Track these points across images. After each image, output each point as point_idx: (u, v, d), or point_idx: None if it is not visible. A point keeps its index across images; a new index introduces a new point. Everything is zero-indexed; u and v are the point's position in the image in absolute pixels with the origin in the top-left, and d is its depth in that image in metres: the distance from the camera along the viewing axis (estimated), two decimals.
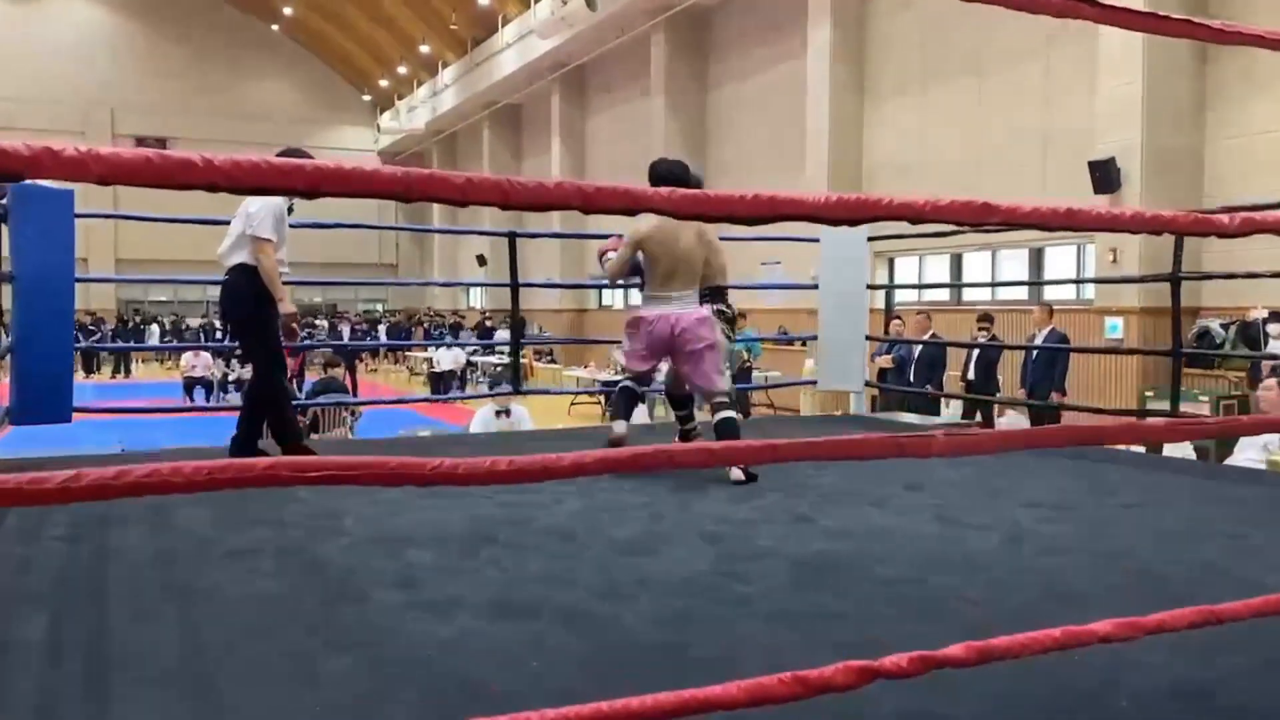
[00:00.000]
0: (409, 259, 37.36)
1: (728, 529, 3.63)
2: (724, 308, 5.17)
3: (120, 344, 24.88)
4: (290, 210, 4.90)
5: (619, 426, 4.84)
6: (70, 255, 5.18)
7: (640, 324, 4.82)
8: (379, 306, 36.35)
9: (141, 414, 6.89)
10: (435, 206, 33.46)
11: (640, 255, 4.84)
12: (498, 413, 7.34)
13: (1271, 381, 6.44)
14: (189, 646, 2.41)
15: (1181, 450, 9.26)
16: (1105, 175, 10.64)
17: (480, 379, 21.16)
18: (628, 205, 1.31)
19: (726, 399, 4.82)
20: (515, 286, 6.23)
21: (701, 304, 4.91)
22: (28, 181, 5.53)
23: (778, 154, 16.64)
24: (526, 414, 7.51)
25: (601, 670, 2.27)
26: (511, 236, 6.24)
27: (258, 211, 4.68)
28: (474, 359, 20.43)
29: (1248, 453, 5.90)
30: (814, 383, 7.43)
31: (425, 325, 27.36)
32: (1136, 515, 4.00)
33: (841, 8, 14.96)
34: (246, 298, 4.71)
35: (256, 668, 2.26)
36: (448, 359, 18.77)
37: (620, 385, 5.06)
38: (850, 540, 3.45)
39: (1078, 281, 10.99)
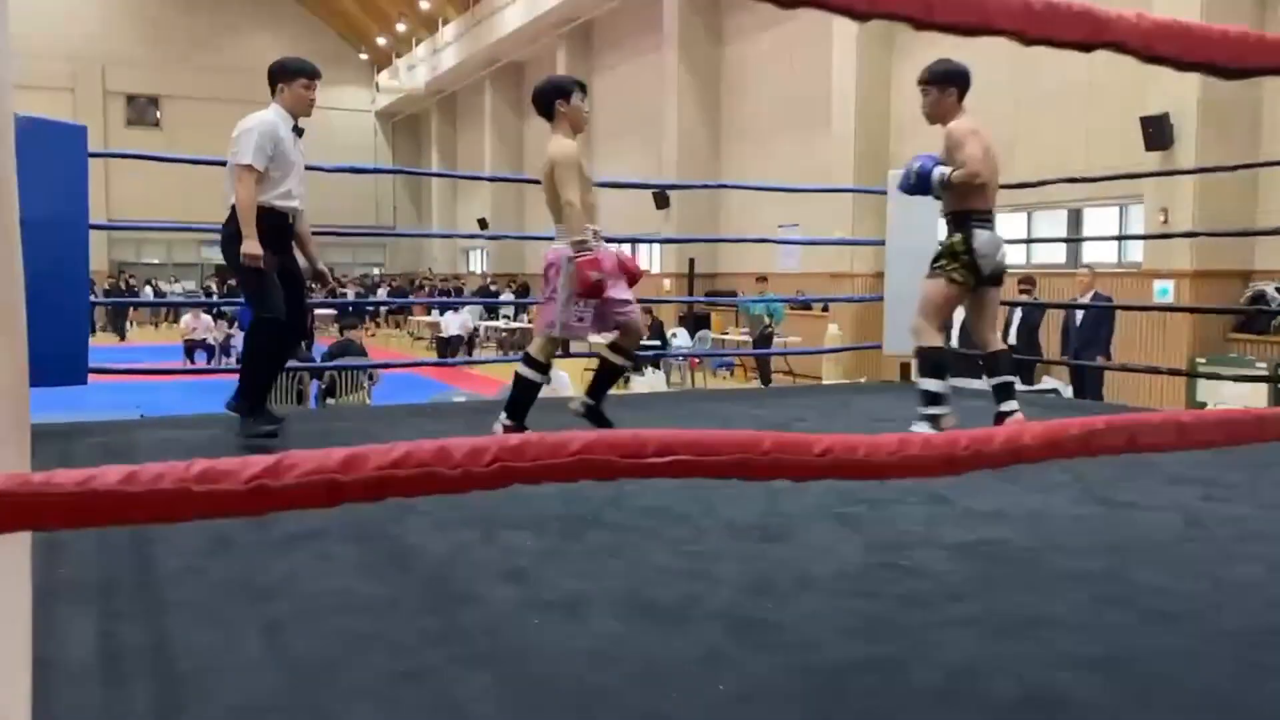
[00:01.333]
0: (407, 221, 36.63)
1: (859, 510, 3.17)
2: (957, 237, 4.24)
3: (152, 299, 24.19)
4: (299, 133, 4.31)
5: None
6: (84, 200, 4.65)
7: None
8: (375, 271, 35.65)
9: (160, 375, 6.37)
10: (434, 161, 32.81)
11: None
12: None
13: None
14: (281, 661, 1.94)
15: (1251, 398, 8.85)
16: (1158, 131, 10.14)
17: (486, 343, 20.66)
18: (1085, 35, 0.83)
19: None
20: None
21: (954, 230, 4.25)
22: (34, 115, 5.01)
23: (800, 109, 16.06)
24: (568, 379, 7.02)
25: (811, 697, 1.81)
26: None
27: (239, 136, 4.12)
28: (478, 324, 19.90)
29: None
30: (878, 347, 6.95)
31: (427, 289, 26.77)
32: None
33: None
34: (233, 238, 4.10)
35: (378, 692, 1.79)
36: (455, 323, 18.22)
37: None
38: (1008, 524, 2.99)
39: (1220, 234, 10.44)
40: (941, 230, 6.24)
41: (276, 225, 4.21)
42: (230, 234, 4.15)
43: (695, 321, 16.36)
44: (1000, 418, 4.26)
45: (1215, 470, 3.85)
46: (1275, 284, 10.05)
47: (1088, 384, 8.99)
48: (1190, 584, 2.44)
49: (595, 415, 4.31)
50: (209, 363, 16.22)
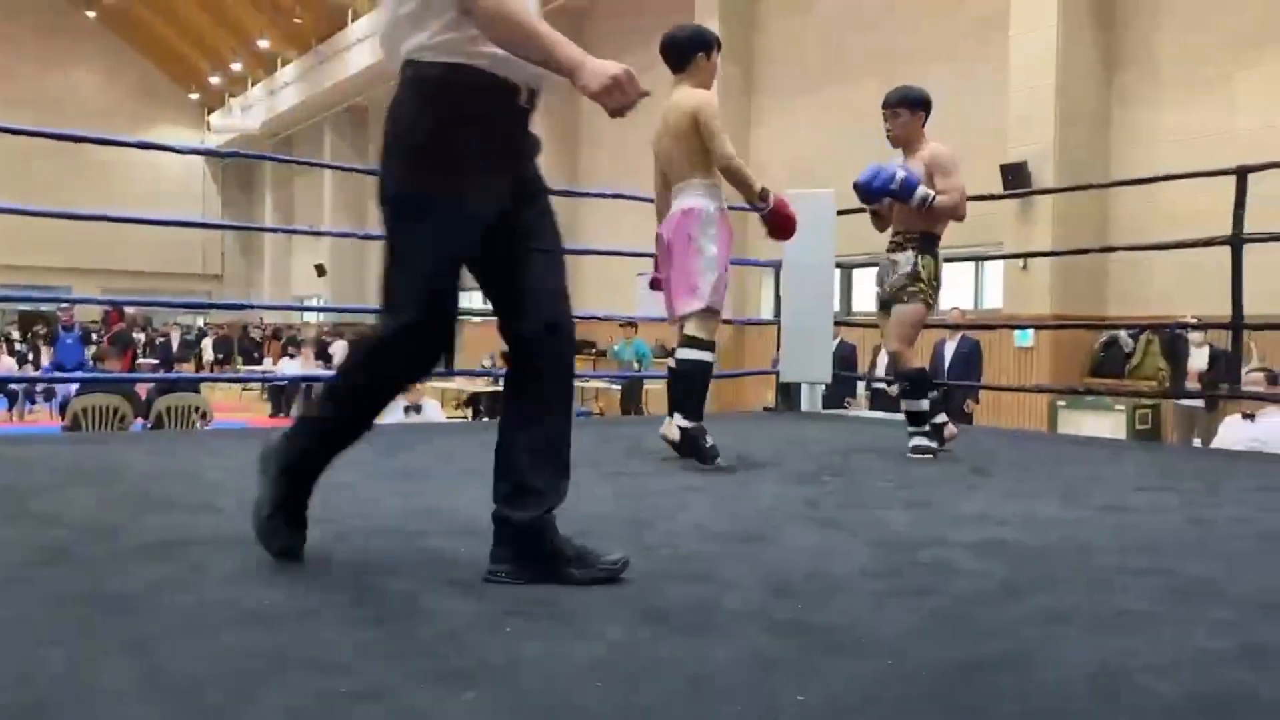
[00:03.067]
0: (236, 270, 34.82)
1: (834, 514, 2.74)
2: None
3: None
4: None
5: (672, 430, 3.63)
6: None
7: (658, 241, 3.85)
8: (200, 320, 33.58)
9: None
10: (267, 207, 31.40)
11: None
12: (407, 409, 6.17)
13: (1258, 375, 6.09)
14: (162, 685, 1.34)
15: (1111, 433, 9.01)
16: (1017, 179, 10.37)
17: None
18: None
19: (703, 335, 3.64)
20: None
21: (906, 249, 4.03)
22: None
23: None
24: (438, 408, 6.41)
25: (937, 704, 1.34)
26: None
27: None
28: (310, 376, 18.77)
29: (1274, 445, 5.43)
30: (774, 372, 6.62)
31: (259, 340, 25.25)
32: (1277, 499, 3.33)
33: (730, 7, 14.44)
34: (411, 142, 1.95)
35: (317, 717, 1.22)
36: (294, 370, 17.12)
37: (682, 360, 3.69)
38: (1008, 527, 2.61)
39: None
40: (818, 251, 6.04)
41: (496, 112, 1.96)
42: (402, 137, 1.96)
43: None
44: (938, 429, 4.15)
45: (1172, 480, 3.62)
46: (1128, 330, 10.36)
47: (957, 416, 9.00)
48: (1260, 575, 2.10)
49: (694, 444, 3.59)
50: (10, 410, 14.61)
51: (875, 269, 4.36)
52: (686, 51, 3.78)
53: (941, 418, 4.18)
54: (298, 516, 2.05)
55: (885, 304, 4.17)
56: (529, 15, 1.85)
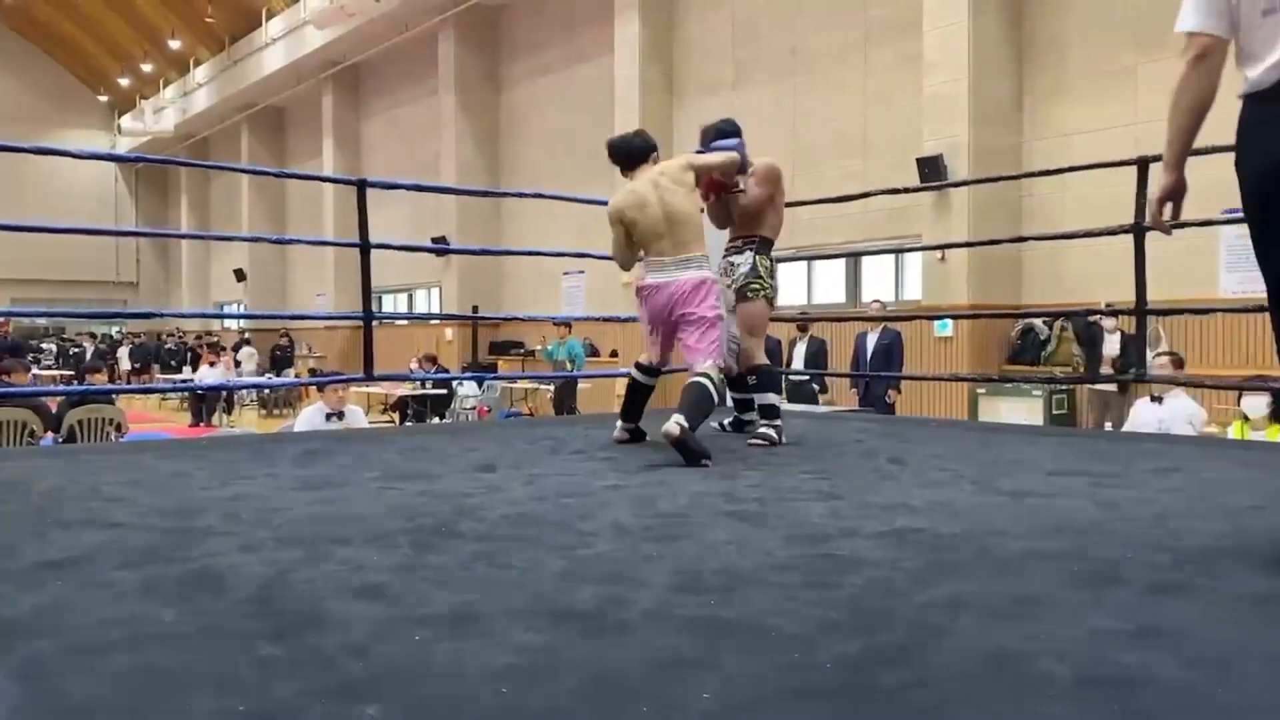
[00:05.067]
0: (153, 276, 33.91)
1: (751, 508, 2.76)
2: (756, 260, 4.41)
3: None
4: None
5: (619, 431, 4.27)
6: None
7: (640, 294, 4.09)
8: (115, 329, 32.61)
9: None
10: (183, 211, 30.67)
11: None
12: (329, 415, 6.06)
13: (1165, 359, 6.29)
14: (54, 710, 1.29)
15: (1028, 418, 9.22)
16: (933, 171, 10.56)
17: (248, 401, 19.17)
18: None
19: (720, 368, 4.02)
20: (366, 247, 5.09)
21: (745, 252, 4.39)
22: None
23: (584, 154, 15.87)
24: (362, 414, 6.31)
25: (837, 697, 1.35)
26: (362, 185, 5.11)
27: None
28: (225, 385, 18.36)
29: (1177, 427, 5.61)
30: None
31: (173, 346, 24.61)
32: (1176, 480, 3.43)
33: (650, 6, 14.46)
34: None
35: None
36: (213, 378, 16.75)
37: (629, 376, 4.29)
38: (919, 515, 2.65)
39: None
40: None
41: None
42: None
43: (480, 369, 15.73)
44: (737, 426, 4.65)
45: (1082, 464, 3.71)
46: (1043, 318, 10.61)
47: (879, 406, 9.15)
48: (1158, 556, 2.17)
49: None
50: None
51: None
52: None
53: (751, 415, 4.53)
54: None
55: None
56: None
